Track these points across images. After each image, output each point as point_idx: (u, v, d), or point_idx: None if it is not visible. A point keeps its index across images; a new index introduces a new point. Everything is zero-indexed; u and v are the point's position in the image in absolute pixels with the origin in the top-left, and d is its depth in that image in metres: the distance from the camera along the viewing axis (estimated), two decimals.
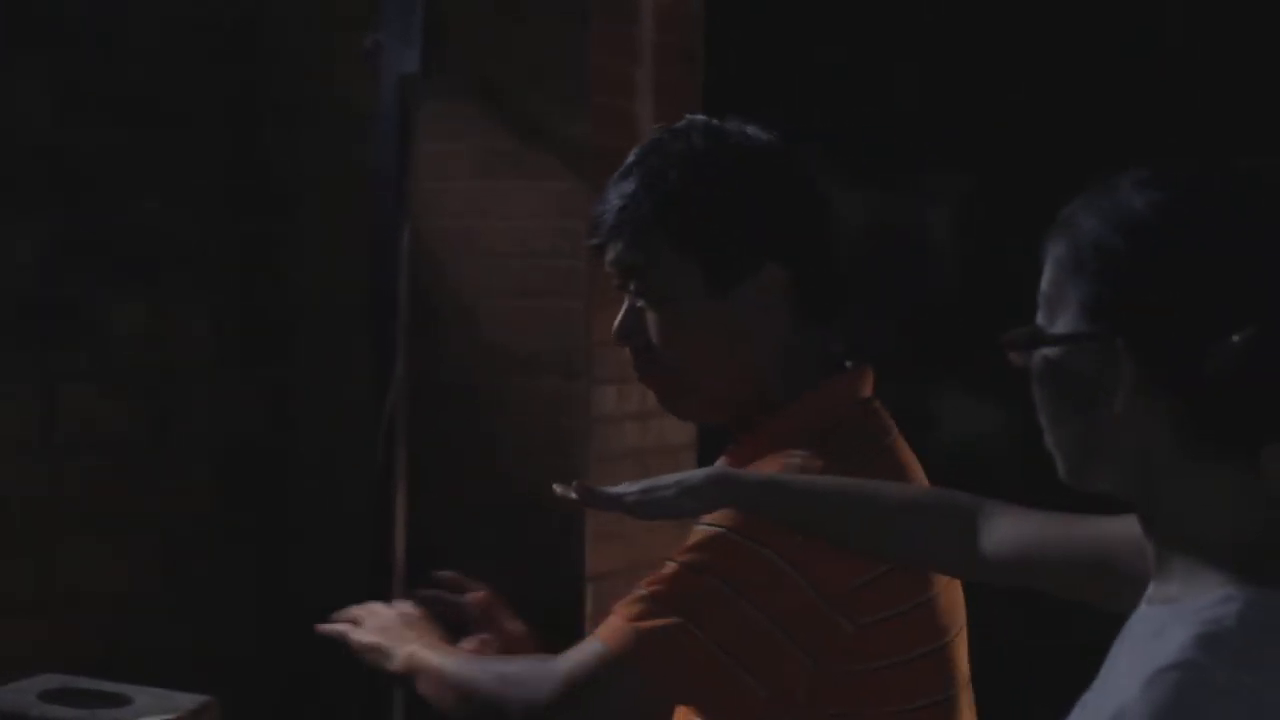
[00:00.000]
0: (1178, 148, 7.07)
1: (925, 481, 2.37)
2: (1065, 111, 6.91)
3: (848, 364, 2.41)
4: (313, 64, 5.04)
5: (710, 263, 2.31)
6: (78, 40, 4.68)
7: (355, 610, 2.60)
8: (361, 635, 2.52)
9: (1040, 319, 1.70)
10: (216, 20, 4.99)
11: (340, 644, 2.61)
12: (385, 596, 4.81)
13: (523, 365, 4.88)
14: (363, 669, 2.55)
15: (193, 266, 4.94)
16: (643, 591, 2.20)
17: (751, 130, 2.38)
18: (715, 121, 2.41)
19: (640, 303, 2.37)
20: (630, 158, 2.41)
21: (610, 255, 2.39)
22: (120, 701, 2.79)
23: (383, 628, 2.53)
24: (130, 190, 4.79)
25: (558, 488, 2.22)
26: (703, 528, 2.21)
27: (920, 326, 6.04)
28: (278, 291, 5.09)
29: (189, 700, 2.84)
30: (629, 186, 2.37)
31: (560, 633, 4.90)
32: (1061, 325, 1.66)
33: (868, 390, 2.39)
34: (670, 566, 2.20)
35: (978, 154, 6.87)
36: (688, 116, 2.44)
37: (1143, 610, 1.65)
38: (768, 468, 2.24)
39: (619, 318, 2.40)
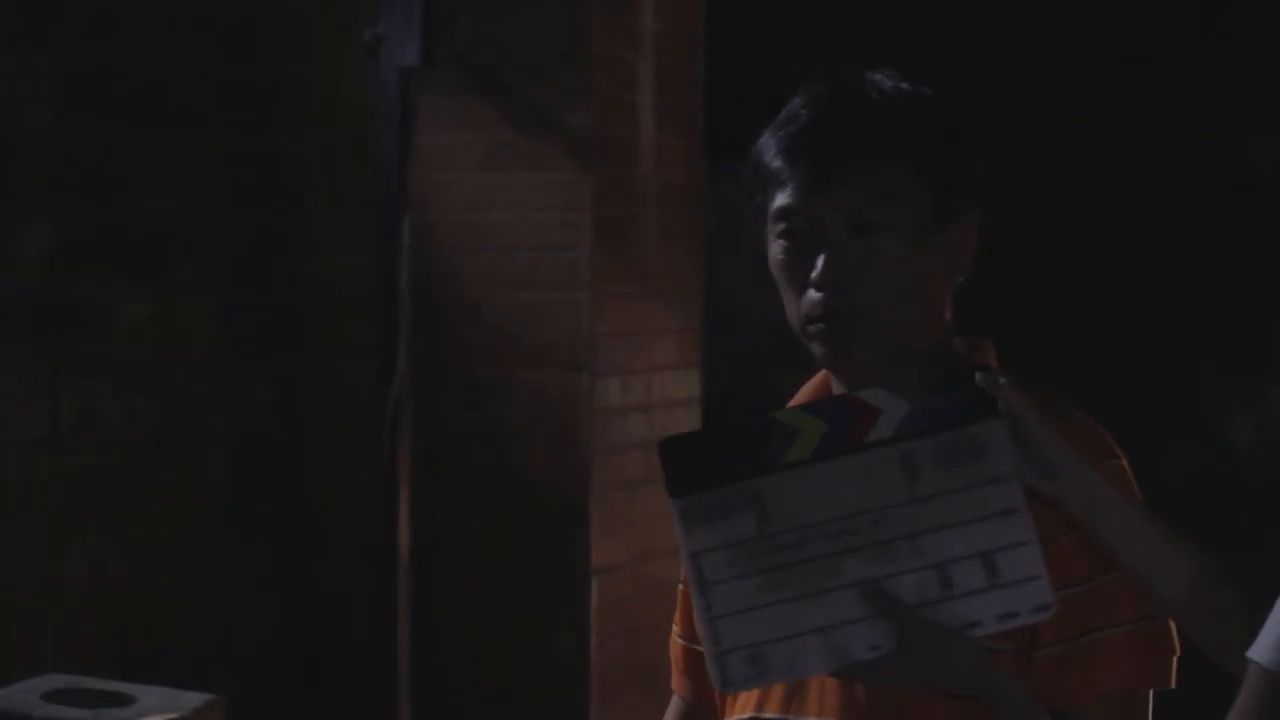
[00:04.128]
0: (1192, 136, 7.01)
1: None
2: (1081, 99, 6.90)
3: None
4: (317, 56, 5.03)
5: (942, 192, 2.15)
6: (81, 35, 4.68)
7: None
8: None
9: None
10: (220, 14, 4.99)
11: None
12: (391, 587, 4.83)
13: (527, 357, 4.88)
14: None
15: (199, 260, 4.94)
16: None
17: None
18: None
19: (861, 231, 2.13)
20: (831, 85, 2.17)
21: (839, 180, 2.12)
22: (125, 701, 2.80)
23: None
24: (135, 185, 4.79)
25: None
26: None
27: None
28: (285, 284, 5.09)
29: (194, 699, 2.85)
30: (862, 106, 2.14)
31: (565, 624, 4.93)
32: None
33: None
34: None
35: (1006, 134, 6.87)
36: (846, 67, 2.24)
37: None
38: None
39: (826, 257, 2.13)
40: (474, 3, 4.84)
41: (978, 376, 2.07)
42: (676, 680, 2.38)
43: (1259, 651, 1.81)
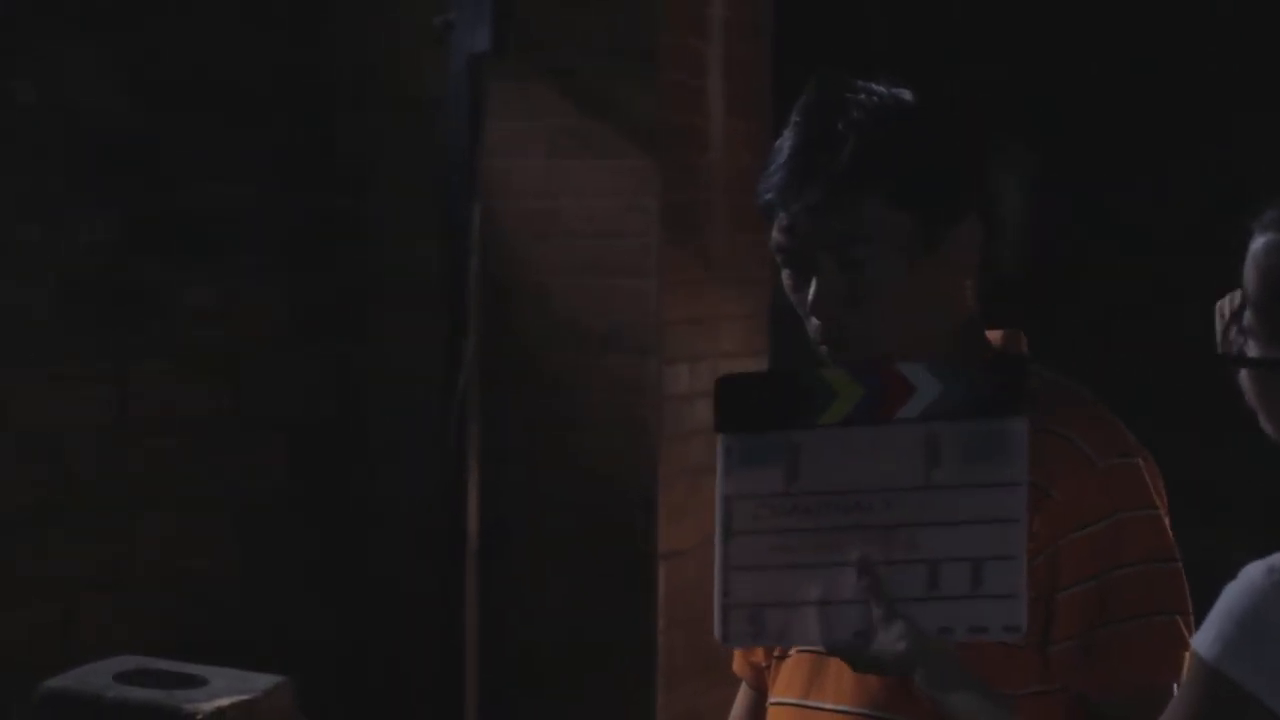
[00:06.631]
0: (1230, 122, 6.96)
1: None
2: (1124, 87, 6.88)
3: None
4: (384, 43, 5.04)
5: (924, 216, 2.18)
6: (147, 24, 4.70)
7: None
8: None
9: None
10: (286, 1, 5.00)
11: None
12: (459, 574, 4.83)
13: (594, 344, 4.88)
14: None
15: (264, 246, 4.96)
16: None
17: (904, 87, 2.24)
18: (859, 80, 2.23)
19: (845, 265, 2.19)
20: (807, 114, 2.21)
21: (815, 220, 2.18)
22: (196, 682, 2.80)
23: None
24: (201, 171, 4.80)
25: None
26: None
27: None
28: (350, 270, 5.10)
29: (264, 681, 2.84)
30: (830, 143, 2.18)
31: (632, 610, 4.92)
32: None
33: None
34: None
35: (1054, 126, 6.85)
36: (824, 73, 2.24)
37: None
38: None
39: (816, 289, 2.19)
40: None
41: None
42: (738, 664, 2.41)
43: (1200, 643, 1.82)
